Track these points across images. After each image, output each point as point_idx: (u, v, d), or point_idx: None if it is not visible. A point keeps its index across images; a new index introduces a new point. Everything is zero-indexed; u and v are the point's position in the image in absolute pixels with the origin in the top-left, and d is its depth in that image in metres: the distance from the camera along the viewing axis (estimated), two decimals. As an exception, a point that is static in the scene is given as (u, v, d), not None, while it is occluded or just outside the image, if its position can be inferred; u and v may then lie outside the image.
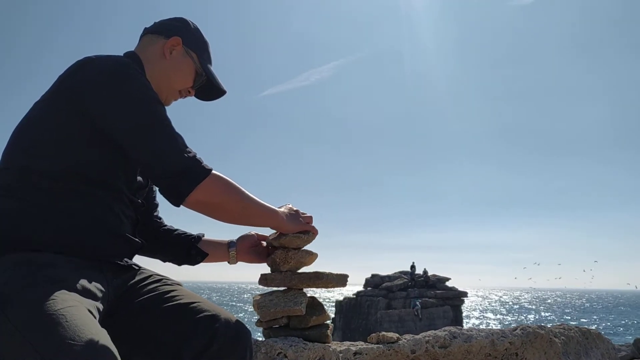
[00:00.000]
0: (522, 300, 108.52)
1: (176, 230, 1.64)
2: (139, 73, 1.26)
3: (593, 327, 2.89)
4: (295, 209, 1.55)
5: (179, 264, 1.64)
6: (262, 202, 1.39)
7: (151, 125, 1.20)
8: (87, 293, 1.08)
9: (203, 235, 1.67)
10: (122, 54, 1.42)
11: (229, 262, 1.69)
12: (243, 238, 1.71)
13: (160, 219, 1.63)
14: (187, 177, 1.19)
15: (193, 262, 1.64)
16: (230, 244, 1.69)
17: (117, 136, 1.21)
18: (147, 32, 1.48)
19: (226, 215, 1.30)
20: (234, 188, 1.30)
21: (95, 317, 1.00)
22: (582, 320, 52.06)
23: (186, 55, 1.46)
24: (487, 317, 54.91)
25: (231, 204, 1.29)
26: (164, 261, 1.64)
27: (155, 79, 1.40)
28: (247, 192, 1.33)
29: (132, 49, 1.47)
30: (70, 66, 1.26)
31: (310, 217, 1.58)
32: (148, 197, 1.54)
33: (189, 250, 1.62)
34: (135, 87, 1.22)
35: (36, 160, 1.19)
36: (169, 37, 1.44)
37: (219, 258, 1.68)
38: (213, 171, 1.24)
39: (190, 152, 1.23)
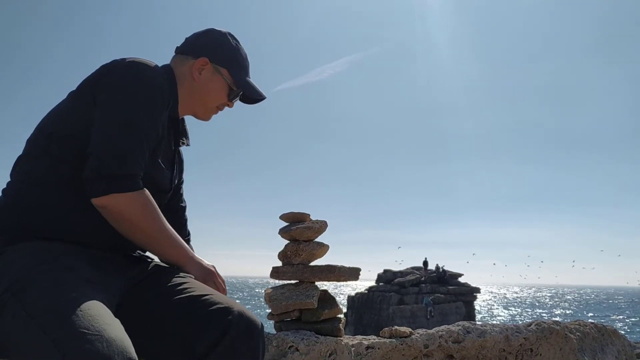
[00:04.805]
0: (536, 297, 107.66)
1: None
2: (157, 87, 1.28)
3: (609, 324, 2.85)
4: (219, 275, 1.42)
5: None
6: (176, 237, 1.31)
7: (125, 125, 1.20)
8: (100, 283, 1.09)
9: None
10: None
11: None
12: None
13: (184, 220, 1.60)
14: (109, 182, 1.17)
15: None
16: None
17: (94, 123, 1.21)
18: (177, 52, 1.51)
19: (132, 233, 1.24)
20: (151, 215, 1.24)
21: (108, 308, 1.00)
22: (596, 315, 51.49)
23: (216, 73, 1.47)
24: (500, 313, 54.57)
25: (142, 224, 1.23)
26: None
27: (188, 99, 1.45)
28: (165, 224, 1.27)
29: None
30: (104, 64, 1.30)
31: (225, 292, 1.41)
32: (173, 205, 1.53)
33: None
34: (140, 97, 1.24)
35: (58, 150, 1.23)
36: (197, 58, 1.46)
37: None
38: (137, 192, 1.20)
39: (132, 167, 1.20)
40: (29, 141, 1.29)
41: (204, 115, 1.53)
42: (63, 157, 1.23)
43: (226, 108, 1.56)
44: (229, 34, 1.53)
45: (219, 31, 1.52)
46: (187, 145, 1.55)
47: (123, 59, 1.30)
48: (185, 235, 1.59)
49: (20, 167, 1.26)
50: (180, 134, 1.50)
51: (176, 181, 1.51)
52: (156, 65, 1.37)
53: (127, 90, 1.24)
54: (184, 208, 1.61)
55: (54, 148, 1.23)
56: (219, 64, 1.48)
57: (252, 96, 1.54)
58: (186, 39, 1.53)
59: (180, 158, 1.55)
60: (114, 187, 1.17)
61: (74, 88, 1.32)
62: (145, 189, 1.23)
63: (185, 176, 1.60)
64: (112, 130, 1.20)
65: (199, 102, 1.49)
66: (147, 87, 1.27)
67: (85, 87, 1.28)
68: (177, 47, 1.52)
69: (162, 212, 1.33)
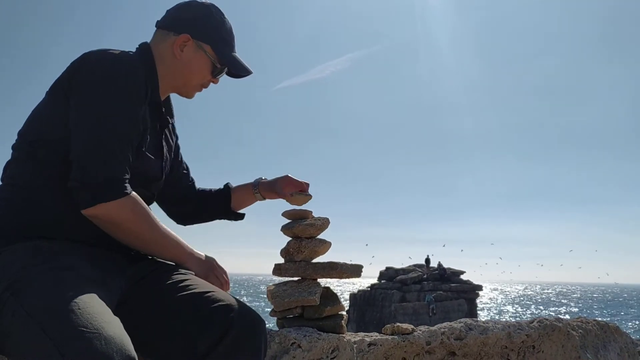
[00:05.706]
0: (539, 294, 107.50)
1: (209, 189, 1.70)
2: (131, 81, 1.23)
3: (611, 321, 2.84)
4: (220, 267, 1.43)
5: (230, 218, 1.72)
6: (172, 235, 1.31)
7: (102, 128, 1.18)
8: (100, 281, 1.09)
9: (231, 185, 1.73)
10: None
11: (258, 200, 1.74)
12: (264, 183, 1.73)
13: (192, 181, 1.67)
14: (94, 192, 1.16)
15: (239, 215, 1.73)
16: (254, 185, 1.71)
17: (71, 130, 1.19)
18: (158, 26, 1.44)
19: (127, 238, 1.24)
20: (142, 217, 1.23)
21: (108, 306, 1.00)
22: (598, 313, 51.38)
23: (198, 49, 1.41)
24: (502, 311, 54.49)
25: (134, 228, 1.22)
26: (212, 219, 1.70)
27: (169, 77, 1.40)
28: (157, 224, 1.26)
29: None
30: (74, 61, 1.25)
31: (227, 284, 1.43)
32: (176, 175, 1.59)
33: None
34: (115, 96, 1.20)
35: (43, 155, 1.22)
36: (179, 34, 1.39)
37: (250, 201, 1.74)
38: (125, 197, 1.18)
39: (116, 172, 1.18)
40: (13, 147, 1.27)
41: (187, 94, 1.48)
42: (49, 161, 1.21)
43: (212, 85, 1.50)
44: (213, 5, 1.45)
45: (202, 3, 1.45)
46: (172, 123, 1.52)
47: (94, 52, 1.25)
48: (194, 188, 1.67)
49: (9, 171, 1.25)
50: (163, 115, 1.44)
51: (167, 167, 1.48)
52: (129, 53, 1.31)
53: (101, 89, 1.20)
54: (187, 174, 1.65)
55: (39, 153, 1.21)
56: (201, 40, 1.40)
57: (238, 72, 1.49)
58: (167, 11, 1.45)
59: (171, 138, 1.52)
60: (99, 197, 1.15)
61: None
62: (132, 192, 1.21)
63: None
64: (90, 135, 1.17)
65: (182, 80, 1.43)
66: (123, 81, 1.22)
67: (58, 88, 1.24)
68: (158, 21, 1.45)
69: (164, 187, 1.44)
